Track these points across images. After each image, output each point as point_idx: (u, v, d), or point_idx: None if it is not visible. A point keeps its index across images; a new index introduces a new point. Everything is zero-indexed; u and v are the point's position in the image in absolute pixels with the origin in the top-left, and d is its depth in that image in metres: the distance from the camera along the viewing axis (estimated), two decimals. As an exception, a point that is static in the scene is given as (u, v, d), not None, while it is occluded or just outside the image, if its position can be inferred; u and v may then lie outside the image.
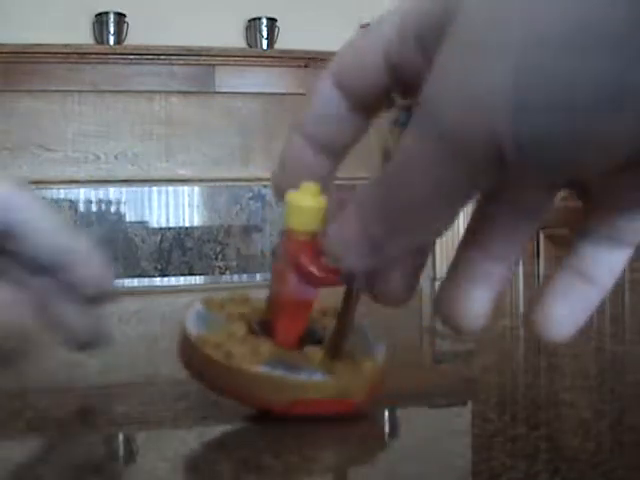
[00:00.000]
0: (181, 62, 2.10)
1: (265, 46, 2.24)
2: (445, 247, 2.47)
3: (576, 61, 0.14)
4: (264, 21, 2.23)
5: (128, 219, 2.03)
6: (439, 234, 0.19)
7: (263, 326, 0.24)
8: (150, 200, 2.06)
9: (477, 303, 0.21)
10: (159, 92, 2.10)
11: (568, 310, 0.21)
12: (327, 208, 0.23)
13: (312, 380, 0.23)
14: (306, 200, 0.22)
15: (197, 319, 0.24)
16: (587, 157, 0.16)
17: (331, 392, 0.23)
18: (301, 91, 2.21)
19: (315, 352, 0.23)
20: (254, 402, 0.23)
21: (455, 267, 0.21)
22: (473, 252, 0.21)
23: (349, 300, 0.23)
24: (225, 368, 0.22)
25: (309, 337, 0.24)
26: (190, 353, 0.24)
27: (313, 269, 0.22)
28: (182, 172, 2.09)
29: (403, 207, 0.18)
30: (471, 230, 0.21)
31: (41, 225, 0.25)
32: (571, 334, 0.21)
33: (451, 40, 0.16)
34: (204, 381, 0.24)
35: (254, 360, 0.22)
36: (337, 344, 0.23)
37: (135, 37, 2.12)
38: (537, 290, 0.21)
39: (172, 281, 1.88)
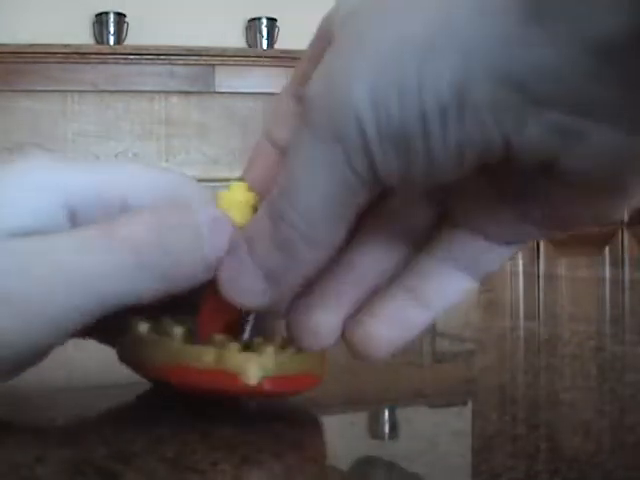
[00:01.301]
0: (181, 62, 2.10)
1: (265, 46, 2.24)
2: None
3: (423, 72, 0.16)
4: (264, 21, 2.23)
5: (128, 219, 2.03)
6: (332, 252, 0.19)
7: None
8: (150, 200, 2.06)
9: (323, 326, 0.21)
10: (159, 92, 2.10)
11: (387, 331, 0.21)
12: (258, 205, 0.23)
13: (183, 345, 0.22)
14: (237, 195, 0.23)
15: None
16: (441, 160, 0.17)
17: (202, 359, 0.22)
18: (301, 91, 2.20)
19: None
20: (137, 365, 0.23)
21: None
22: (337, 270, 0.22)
23: None
24: (127, 337, 0.23)
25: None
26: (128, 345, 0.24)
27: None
28: (182, 172, 2.09)
29: (295, 226, 0.19)
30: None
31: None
32: (387, 354, 0.21)
33: (327, 52, 0.18)
34: (137, 368, 0.24)
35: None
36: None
37: (135, 37, 2.12)
38: (364, 305, 0.22)
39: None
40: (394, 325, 0.21)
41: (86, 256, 0.21)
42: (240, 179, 0.25)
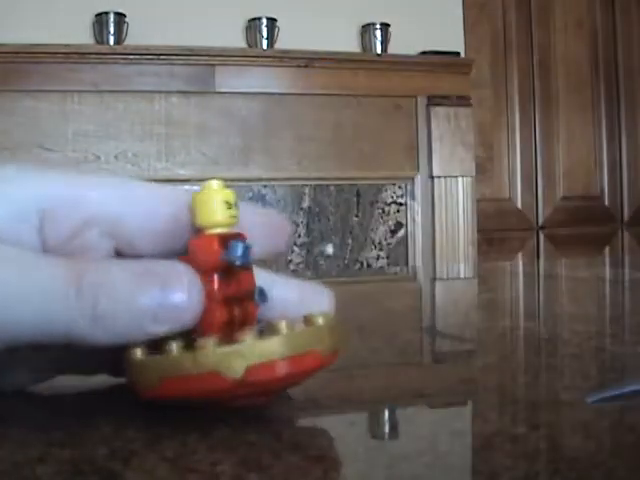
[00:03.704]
0: (181, 62, 2.10)
1: (265, 46, 2.24)
2: (445, 249, 2.47)
3: None
4: (264, 21, 2.23)
5: (128, 219, 2.03)
6: None
7: None
8: (150, 200, 2.06)
9: None
10: (159, 92, 2.10)
11: None
12: (235, 201, 0.23)
13: (172, 356, 0.22)
14: (211, 194, 0.23)
15: None
16: None
17: (190, 367, 0.21)
18: (301, 91, 2.21)
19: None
20: (136, 389, 0.23)
21: None
22: None
23: None
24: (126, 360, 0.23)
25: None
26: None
27: (201, 255, 0.22)
28: (182, 172, 2.09)
29: None
30: None
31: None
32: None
33: None
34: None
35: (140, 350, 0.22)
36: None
37: (135, 37, 2.13)
38: None
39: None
40: None
41: (47, 295, 0.21)
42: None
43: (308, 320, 0.23)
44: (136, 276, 0.22)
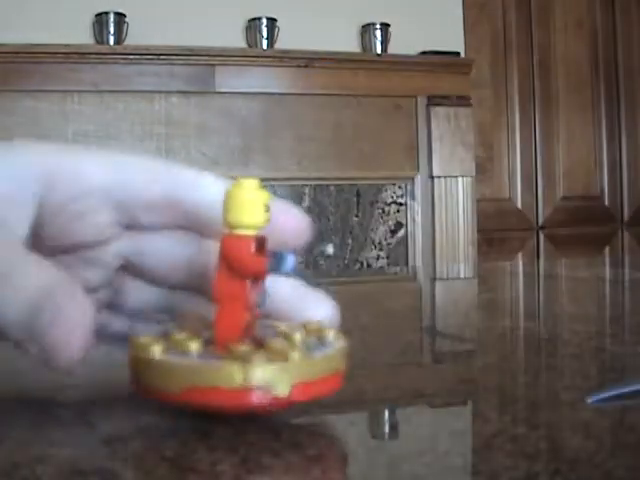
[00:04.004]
0: (181, 62, 2.10)
1: (265, 46, 2.24)
2: (445, 249, 2.46)
3: None
4: (264, 21, 2.23)
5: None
6: None
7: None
8: (150, 200, 2.06)
9: None
10: (159, 92, 2.10)
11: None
12: (269, 202, 0.23)
13: (203, 364, 0.21)
14: (248, 193, 0.22)
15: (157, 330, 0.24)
16: None
17: (227, 378, 0.21)
18: (301, 91, 2.21)
19: (243, 347, 0.21)
20: (153, 392, 0.22)
21: None
22: None
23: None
24: (134, 360, 0.22)
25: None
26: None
27: (242, 257, 0.22)
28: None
29: None
30: None
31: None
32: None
33: None
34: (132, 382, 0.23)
35: (162, 350, 0.22)
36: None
37: (135, 37, 2.12)
38: None
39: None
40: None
41: None
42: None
43: (310, 329, 0.24)
44: (40, 290, 0.22)
